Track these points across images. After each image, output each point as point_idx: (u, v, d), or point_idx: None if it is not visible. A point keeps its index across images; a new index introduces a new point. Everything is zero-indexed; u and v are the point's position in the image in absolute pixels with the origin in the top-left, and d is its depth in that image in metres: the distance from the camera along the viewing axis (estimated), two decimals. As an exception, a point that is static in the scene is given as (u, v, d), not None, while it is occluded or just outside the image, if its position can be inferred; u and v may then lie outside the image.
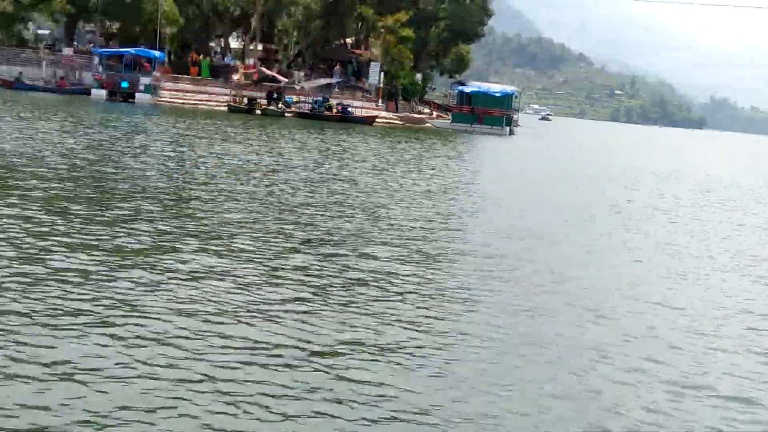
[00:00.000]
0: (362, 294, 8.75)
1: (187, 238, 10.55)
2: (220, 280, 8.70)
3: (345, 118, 49.80)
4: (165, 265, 9.04)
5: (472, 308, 8.62)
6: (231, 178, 17.48)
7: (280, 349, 6.76)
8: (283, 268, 9.52)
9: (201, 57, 56.63)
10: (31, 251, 9.05)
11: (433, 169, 24.51)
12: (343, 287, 8.95)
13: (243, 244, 10.63)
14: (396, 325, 7.78)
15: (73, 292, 7.68)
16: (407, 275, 9.79)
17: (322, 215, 13.49)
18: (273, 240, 11.06)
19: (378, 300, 8.57)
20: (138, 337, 6.68)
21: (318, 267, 9.76)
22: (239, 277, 8.91)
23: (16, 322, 6.70)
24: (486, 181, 23.40)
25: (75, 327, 6.74)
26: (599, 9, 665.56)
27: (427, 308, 8.44)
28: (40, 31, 64.67)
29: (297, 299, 8.29)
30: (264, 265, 9.55)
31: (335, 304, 8.25)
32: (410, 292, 9.01)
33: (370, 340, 7.22)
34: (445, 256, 11.22)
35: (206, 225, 11.60)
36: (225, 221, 12.05)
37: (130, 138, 24.24)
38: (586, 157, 43.63)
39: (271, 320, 7.50)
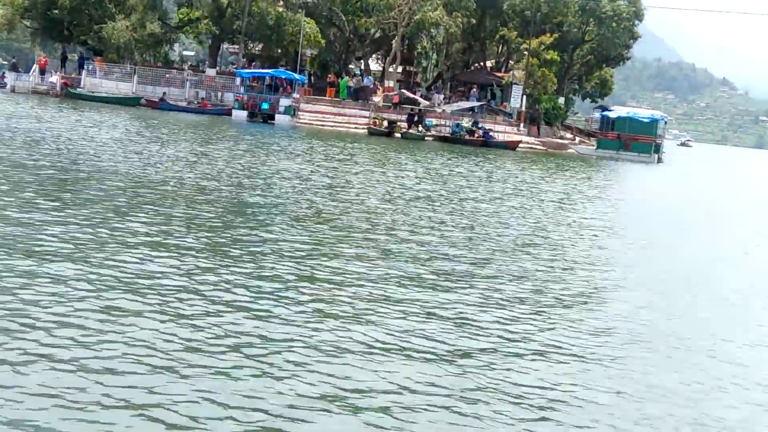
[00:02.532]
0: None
1: (347, 265, 9.19)
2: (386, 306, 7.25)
3: (487, 143, 48.11)
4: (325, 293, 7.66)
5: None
6: (386, 203, 16.16)
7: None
8: (441, 301, 8.00)
9: (339, 78, 56.23)
10: (177, 270, 7.86)
11: (605, 200, 22.67)
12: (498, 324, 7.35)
13: (402, 269, 9.18)
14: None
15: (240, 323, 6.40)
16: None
17: (498, 250, 11.93)
18: (431, 272, 9.56)
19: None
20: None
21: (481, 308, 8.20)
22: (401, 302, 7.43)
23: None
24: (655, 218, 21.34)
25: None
26: (744, 33, 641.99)
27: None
28: (185, 53, 65.90)
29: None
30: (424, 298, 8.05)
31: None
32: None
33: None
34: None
35: (367, 252, 10.22)
36: (382, 247, 10.64)
37: (275, 159, 23.39)
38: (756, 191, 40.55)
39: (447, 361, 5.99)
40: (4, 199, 11.83)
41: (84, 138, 23.85)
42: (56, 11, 55.90)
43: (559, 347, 7.77)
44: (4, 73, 55.46)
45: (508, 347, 7.62)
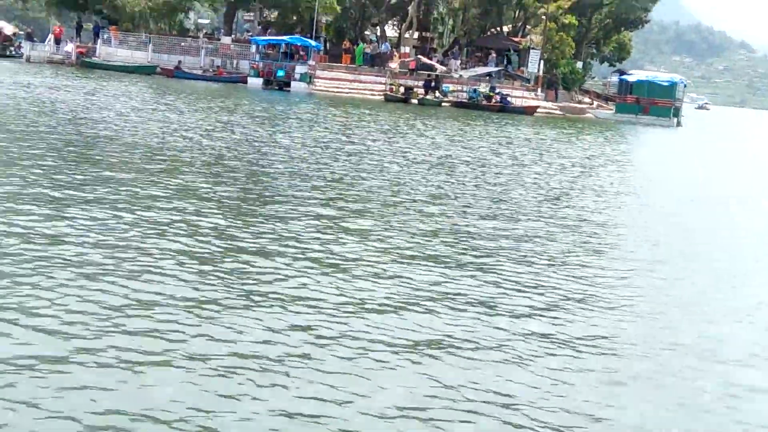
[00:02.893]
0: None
1: (382, 233, 9.10)
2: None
3: (504, 108, 47.68)
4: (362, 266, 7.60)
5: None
6: (406, 169, 16.03)
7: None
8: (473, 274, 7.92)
9: (354, 45, 55.81)
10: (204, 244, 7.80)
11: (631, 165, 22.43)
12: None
13: (430, 240, 9.09)
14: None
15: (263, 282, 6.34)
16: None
17: (529, 221, 11.80)
18: (469, 237, 9.45)
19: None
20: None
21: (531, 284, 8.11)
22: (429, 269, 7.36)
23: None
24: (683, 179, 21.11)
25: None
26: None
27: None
28: (200, 21, 65.46)
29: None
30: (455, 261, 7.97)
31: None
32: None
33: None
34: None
35: (401, 224, 10.12)
36: (404, 214, 10.54)
37: (292, 126, 23.25)
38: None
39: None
40: (25, 171, 11.78)
41: (102, 107, 23.79)
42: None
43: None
44: (20, 42, 55.21)
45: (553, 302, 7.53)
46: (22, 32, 57.31)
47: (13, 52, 53.75)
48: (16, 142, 14.59)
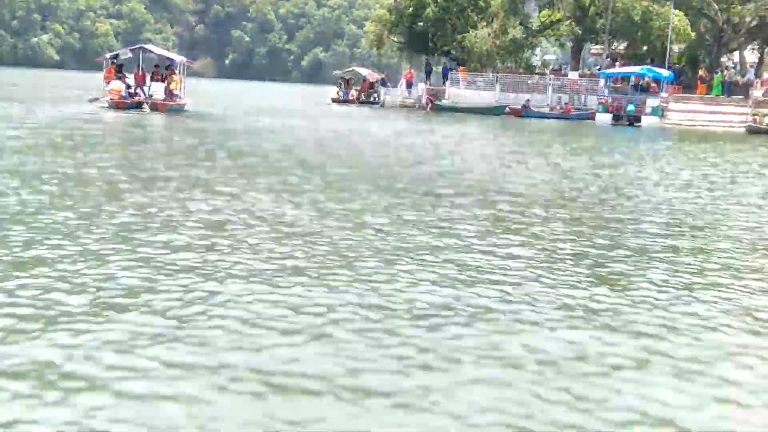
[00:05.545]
0: None
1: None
2: None
3: None
4: None
5: None
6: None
7: None
8: None
9: (712, 73, 52.07)
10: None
11: None
12: None
13: None
14: None
15: None
16: None
17: None
18: None
19: None
20: None
21: None
22: None
23: None
24: None
25: None
26: None
27: None
28: (545, 57, 65.01)
29: None
30: None
31: None
32: None
33: None
34: None
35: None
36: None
37: (644, 164, 21.40)
38: None
39: None
40: (389, 214, 11.27)
41: (452, 151, 23.60)
42: (420, 24, 57.63)
43: None
44: (379, 88, 57.62)
45: None
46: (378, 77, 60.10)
47: (376, 99, 56.49)
48: (362, 183, 14.48)
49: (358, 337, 6.28)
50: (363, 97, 56.44)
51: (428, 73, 58.00)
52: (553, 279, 8.56)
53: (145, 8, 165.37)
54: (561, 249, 10.13)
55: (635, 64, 50.64)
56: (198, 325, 6.35)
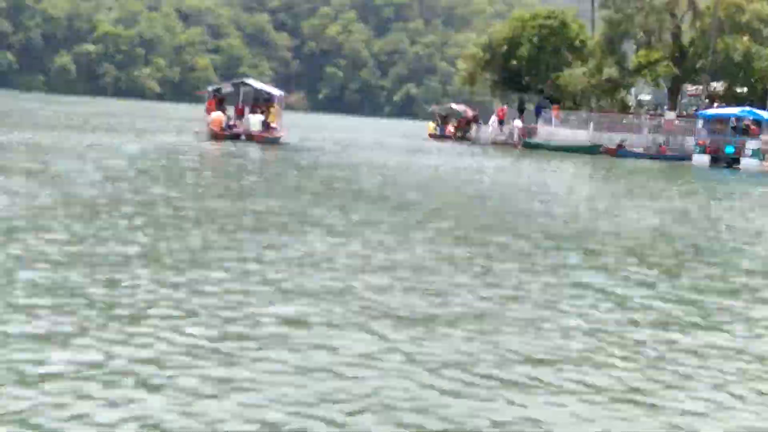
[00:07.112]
0: None
1: None
2: None
3: None
4: None
5: None
6: None
7: None
8: None
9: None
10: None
11: None
12: None
13: None
14: None
15: None
16: None
17: None
18: None
19: None
20: None
21: None
22: None
23: None
24: None
25: None
26: None
27: None
28: (640, 97, 64.10)
29: None
30: None
31: None
32: None
33: None
34: None
35: None
36: None
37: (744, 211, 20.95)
38: None
39: None
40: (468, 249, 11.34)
41: (545, 189, 23.55)
42: (514, 62, 57.70)
43: None
44: (475, 117, 57.55)
45: None
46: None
47: (470, 135, 56.40)
48: (447, 221, 14.61)
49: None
50: (459, 133, 56.54)
51: (521, 111, 57.90)
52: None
53: (242, 43, 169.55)
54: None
55: (734, 106, 49.58)
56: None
